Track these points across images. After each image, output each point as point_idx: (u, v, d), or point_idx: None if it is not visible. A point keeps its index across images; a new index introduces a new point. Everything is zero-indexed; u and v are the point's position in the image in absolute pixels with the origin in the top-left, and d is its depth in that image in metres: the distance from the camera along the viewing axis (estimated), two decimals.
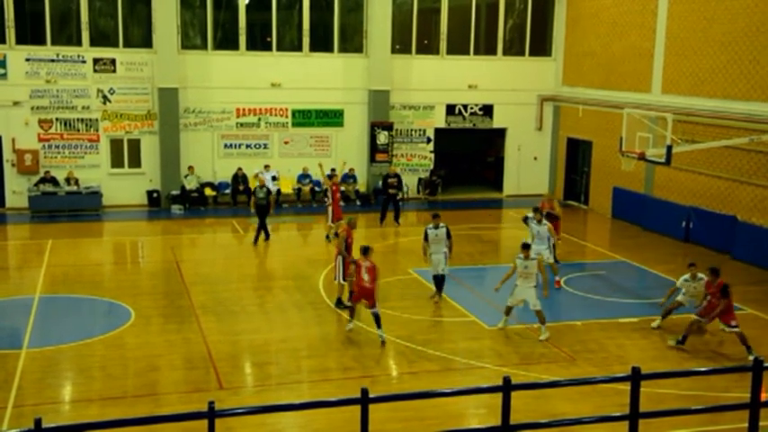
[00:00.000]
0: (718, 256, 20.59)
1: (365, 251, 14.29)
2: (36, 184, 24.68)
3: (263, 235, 21.47)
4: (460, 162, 31.40)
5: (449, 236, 16.38)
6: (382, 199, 24.45)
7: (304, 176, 26.89)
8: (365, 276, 14.06)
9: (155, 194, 25.90)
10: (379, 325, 14.06)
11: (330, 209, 21.40)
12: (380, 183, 25.50)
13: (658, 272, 19.28)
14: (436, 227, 16.38)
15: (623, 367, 12.60)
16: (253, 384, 12.75)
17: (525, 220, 18.67)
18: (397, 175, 24.63)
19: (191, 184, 25.79)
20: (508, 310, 15.05)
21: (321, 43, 27.17)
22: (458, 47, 28.27)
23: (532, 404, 11.26)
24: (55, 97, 24.96)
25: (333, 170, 23.55)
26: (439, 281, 16.60)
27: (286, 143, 27.13)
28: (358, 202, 27.03)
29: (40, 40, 24.80)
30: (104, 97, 25.37)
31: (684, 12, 22.51)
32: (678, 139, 20.12)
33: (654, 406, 10.43)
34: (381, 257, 19.94)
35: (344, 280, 15.90)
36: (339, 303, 16.08)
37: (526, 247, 14.85)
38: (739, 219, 20.56)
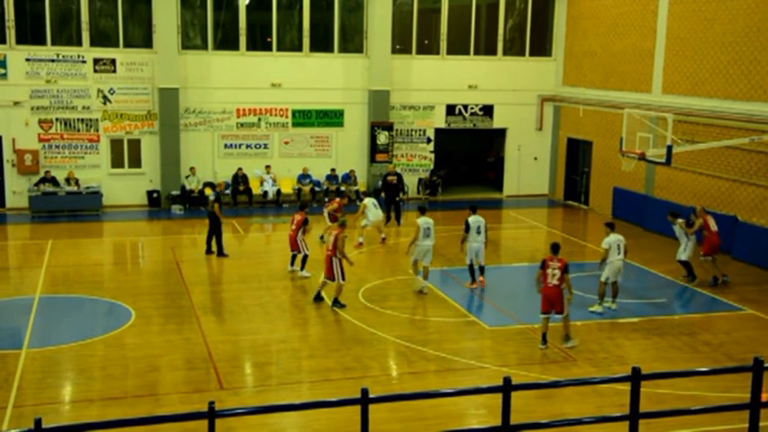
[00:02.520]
0: (719, 257, 20.60)
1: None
2: (36, 185, 24.68)
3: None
4: (461, 162, 31.41)
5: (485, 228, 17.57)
6: (383, 199, 24.29)
7: (304, 177, 26.88)
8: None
9: (155, 194, 25.90)
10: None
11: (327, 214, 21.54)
12: (380, 183, 25.48)
13: (659, 272, 19.30)
14: (475, 217, 17.50)
15: (623, 367, 12.62)
16: (253, 384, 12.75)
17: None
18: (397, 174, 24.54)
19: (192, 185, 25.78)
20: (417, 269, 17.28)
21: (321, 43, 27.17)
22: (458, 47, 28.27)
23: (533, 404, 11.27)
24: (55, 97, 24.96)
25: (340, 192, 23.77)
26: (480, 271, 17.62)
27: (286, 143, 27.13)
28: (358, 203, 27.00)
29: (40, 41, 24.79)
30: (104, 97, 25.37)
31: (685, 12, 22.52)
32: (678, 140, 20.13)
33: (654, 406, 10.43)
34: (382, 258, 20.00)
35: (344, 279, 16.16)
36: (336, 303, 16.16)
37: (423, 210, 17.69)
38: (740, 219, 20.56)
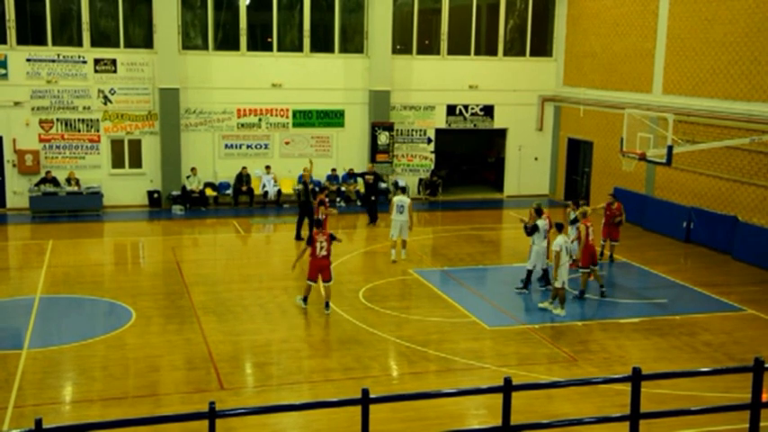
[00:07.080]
0: (719, 257, 20.62)
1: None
2: (37, 185, 24.68)
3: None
4: (461, 162, 31.41)
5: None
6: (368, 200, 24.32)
7: None
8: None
9: (155, 195, 25.91)
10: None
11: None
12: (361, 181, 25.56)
13: (659, 272, 19.29)
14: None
15: (624, 368, 12.61)
16: (254, 385, 12.75)
17: None
18: (374, 173, 24.58)
19: (193, 185, 25.79)
20: (395, 244, 19.35)
21: (322, 44, 27.19)
22: (458, 47, 28.28)
23: (533, 405, 11.26)
24: (56, 98, 24.97)
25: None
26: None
27: (287, 143, 27.14)
28: (358, 203, 27.03)
29: (40, 41, 24.80)
30: (105, 98, 25.38)
31: (685, 12, 22.52)
32: (679, 140, 20.13)
33: (654, 406, 10.43)
34: (383, 257, 19.98)
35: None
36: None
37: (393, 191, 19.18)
38: (740, 219, 20.56)
